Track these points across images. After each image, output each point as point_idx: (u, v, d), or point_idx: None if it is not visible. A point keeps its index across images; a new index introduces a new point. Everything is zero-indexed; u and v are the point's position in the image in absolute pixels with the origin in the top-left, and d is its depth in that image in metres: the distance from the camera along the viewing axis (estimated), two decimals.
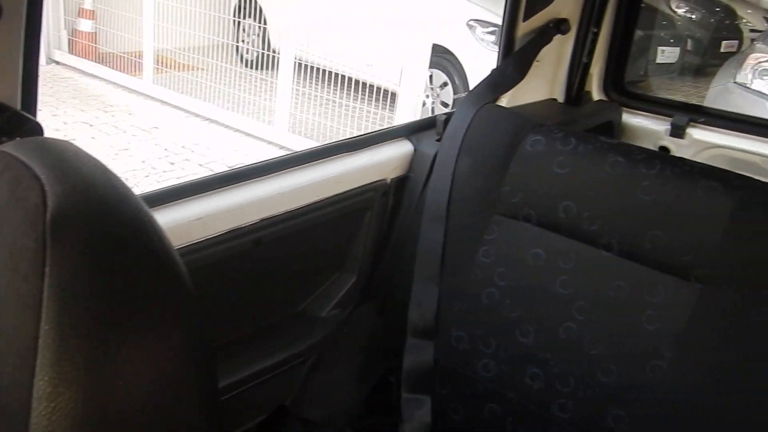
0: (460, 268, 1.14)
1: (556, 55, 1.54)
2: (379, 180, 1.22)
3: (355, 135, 1.59)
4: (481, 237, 1.13)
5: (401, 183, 1.26)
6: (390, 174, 1.24)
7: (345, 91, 4.29)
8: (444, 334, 1.15)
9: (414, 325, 1.17)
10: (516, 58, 1.37)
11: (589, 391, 0.99)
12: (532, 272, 1.07)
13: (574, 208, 1.05)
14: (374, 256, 1.27)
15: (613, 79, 1.68)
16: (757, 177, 1.56)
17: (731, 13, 6.87)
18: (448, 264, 1.15)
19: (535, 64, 1.41)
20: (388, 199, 1.25)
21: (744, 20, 6.89)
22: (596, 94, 1.69)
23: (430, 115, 4.66)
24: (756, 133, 1.51)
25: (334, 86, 4.31)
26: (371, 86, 4.36)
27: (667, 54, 5.69)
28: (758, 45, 3.61)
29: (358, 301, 1.28)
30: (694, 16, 6.50)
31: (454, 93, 4.65)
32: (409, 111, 4.11)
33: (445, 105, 4.73)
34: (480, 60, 4.36)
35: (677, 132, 1.58)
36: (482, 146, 1.18)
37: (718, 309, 0.93)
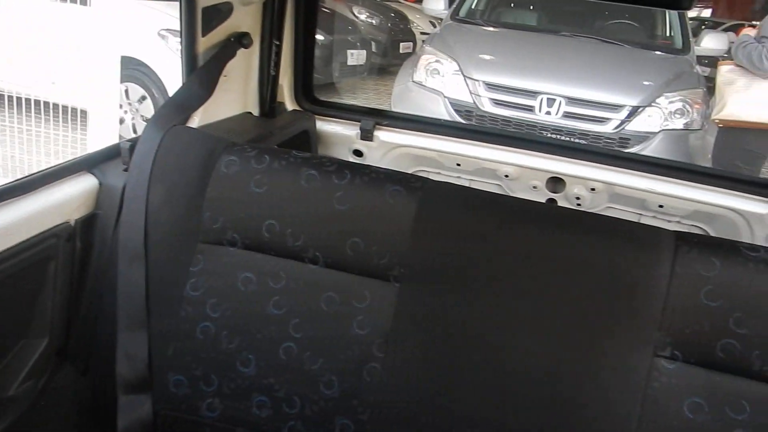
0: (169, 307, 1.06)
1: (244, 68, 1.52)
2: (61, 223, 1.07)
3: (43, 164, 1.37)
4: (186, 270, 1.06)
5: (88, 223, 1.12)
6: (73, 214, 1.10)
7: (27, 113, 3.76)
8: (160, 381, 1.05)
9: (125, 379, 1.05)
10: (200, 75, 1.32)
11: (315, 407, 1.00)
12: (244, 298, 1.04)
13: (277, 226, 1.04)
14: (68, 311, 1.11)
15: (303, 89, 1.73)
16: (436, 171, 1.76)
17: (404, 18, 7.70)
18: (155, 305, 1.06)
19: (223, 78, 1.37)
20: (74, 244, 1.10)
21: (415, 24, 7.77)
22: (289, 105, 1.72)
23: (132, 133, 4.35)
24: (430, 132, 1.68)
25: (10, 109, 3.75)
26: (57, 106, 3.89)
27: (356, 56, 6.15)
28: (427, 47, 4.06)
29: (54, 367, 1.11)
30: (374, 21, 7.12)
31: (155, 107, 4.41)
32: (104, 130, 3.76)
33: (147, 120, 4.44)
34: (177, 71, 4.18)
35: (366, 135, 1.68)
36: (174, 172, 1.11)
37: (416, 306, 1.00)
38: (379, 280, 1.02)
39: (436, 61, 3.79)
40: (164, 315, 1.06)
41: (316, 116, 1.72)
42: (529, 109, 3.56)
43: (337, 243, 1.03)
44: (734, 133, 3.11)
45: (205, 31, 1.31)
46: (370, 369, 0.99)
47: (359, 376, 0.99)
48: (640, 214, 1.65)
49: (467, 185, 1.52)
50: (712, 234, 1.59)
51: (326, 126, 1.74)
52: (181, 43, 1.31)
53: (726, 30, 6.65)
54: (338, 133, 1.73)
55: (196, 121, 1.33)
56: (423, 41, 5.69)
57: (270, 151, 1.10)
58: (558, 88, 3.54)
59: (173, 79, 4.22)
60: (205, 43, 1.32)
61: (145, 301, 1.06)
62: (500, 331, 0.96)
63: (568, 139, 3.42)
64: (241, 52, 1.42)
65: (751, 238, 1.53)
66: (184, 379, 1.04)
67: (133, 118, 4.53)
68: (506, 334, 0.96)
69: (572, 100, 3.51)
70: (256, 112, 1.62)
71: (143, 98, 4.47)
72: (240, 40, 1.40)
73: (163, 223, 1.08)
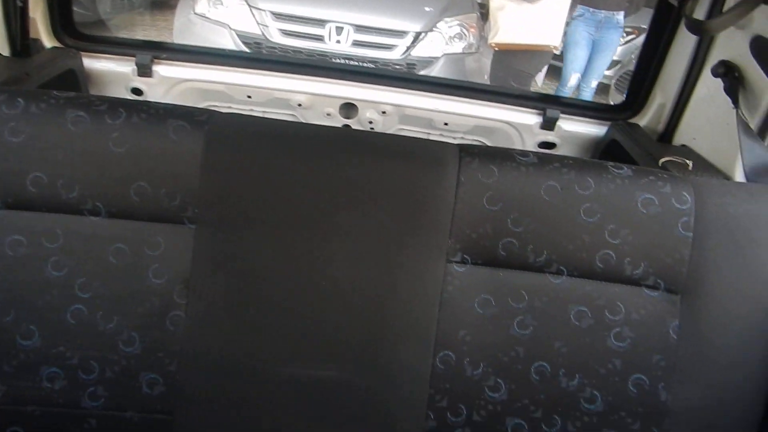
0: None
1: None
2: None
3: None
4: None
5: None
6: None
7: None
8: None
9: None
10: None
11: (116, 368, 0.93)
12: (15, 264, 0.92)
13: (44, 178, 0.92)
14: None
15: (62, 22, 1.53)
16: (227, 105, 1.68)
17: None
18: None
19: None
20: None
21: None
22: (47, 41, 1.51)
23: None
24: (215, 63, 1.59)
25: None
26: None
27: None
28: None
29: None
30: None
31: None
32: None
33: None
34: None
35: (144, 71, 1.54)
36: None
37: (215, 247, 0.96)
38: (172, 224, 0.96)
39: None
40: None
41: (83, 53, 1.54)
42: (319, 38, 3.53)
43: (119, 190, 0.94)
44: (507, 54, 3.37)
45: None
46: (173, 318, 0.94)
47: (162, 327, 0.94)
48: (429, 132, 1.73)
49: None
50: (491, 145, 1.73)
51: (96, 64, 1.56)
52: None
53: None
54: (111, 71, 1.57)
55: None
56: None
57: (24, 93, 0.96)
58: (346, 15, 3.54)
59: None
60: None
61: None
62: (303, 263, 0.96)
63: (357, 64, 3.47)
64: None
65: (522, 146, 1.69)
66: None
67: None
68: (309, 265, 0.96)
69: (360, 28, 3.54)
70: (5, 51, 1.40)
71: None
72: None
73: None
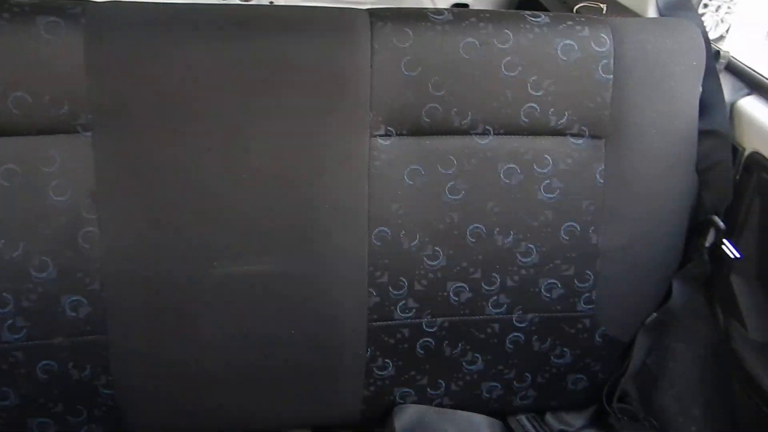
0: None
1: None
2: None
3: None
4: None
5: None
6: None
7: None
8: None
9: None
10: None
11: (32, 296, 0.86)
12: None
13: None
14: None
15: None
16: None
17: None
18: None
19: None
20: None
21: None
22: None
23: None
24: None
25: None
26: None
27: None
28: None
29: None
30: None
31: None
32: None
33: None
34: None
35: None
36: None
37: (117, 152, 0.87)
38: (65, 135, 0.86)
39: None
40: None
41: None
42: None
43: None
44: None
45: None
46: (86, 235, 0.86)
47: (75, 246, 0.86)
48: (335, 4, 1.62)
49: None
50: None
51: None
52: None
53: None
54: None
55: None
56: None
57: None
58: None
59: None
60: None
61: None
62: (219, 157, 0.89)
63: None
64: None
65: (434, 3, 1.61)
66: None
67: None
68: (226, 157, 0.90)
69: None
70: None
71: None
72: None
73: None
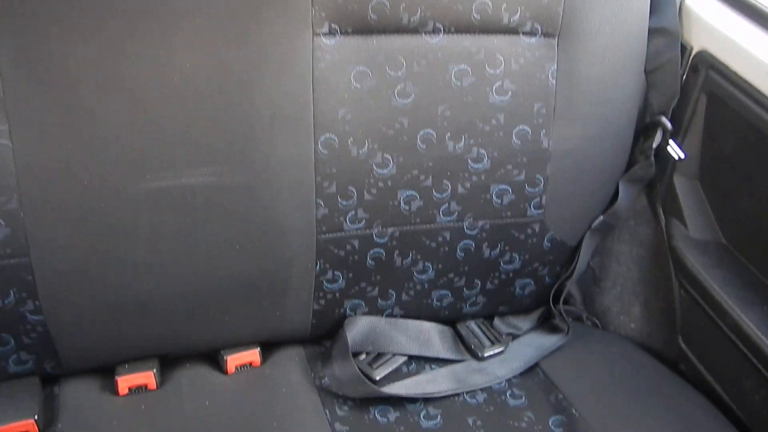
0: None
1: None
2: None
3: None
4: None
5: None
6: None
7: None
8: None
9: None
10: None
11: None
12: None
13: None
14: None
15: None
16: None
17: None
18: None
19: None
20: None
21: None
22: None
23: None
24: None
25: None
26: None
27: None
28: None
29: None
30: None
31: None
32: None
33: None
34: None
35: None
36: None
37: (22, 57, 0.76)
38: None
39: None
40: None
41: None
42: None
43: None
44: None
45: None
46: None
47: None
48: None
49: None
50: None
51: None
52: None
53: None
54: None
55: None
56: None
57: None
58: None
59: None
60: None
61: None
62: (144, 62, 0.80)
63: None
64: None
65: None
66: None
67: None
68: (152, 62, 0.80)
69: None
70: None
71: None
72: None
73: None
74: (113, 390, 0.92)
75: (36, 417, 0.86)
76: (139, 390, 0.93)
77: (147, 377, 0.93)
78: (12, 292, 0.82)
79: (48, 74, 0.77)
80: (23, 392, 0.88)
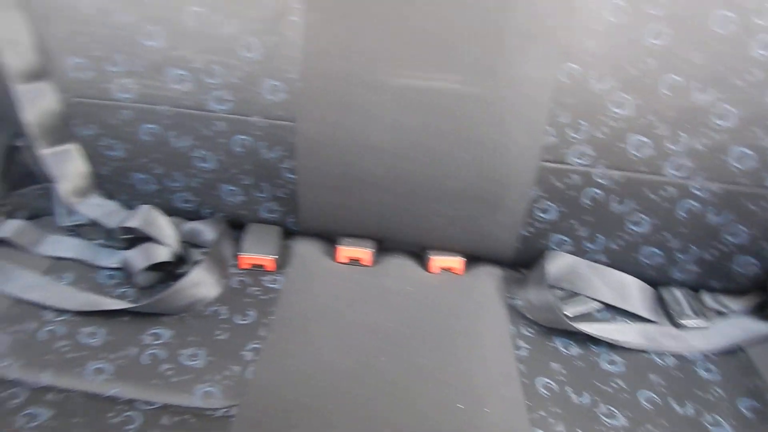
0: None
1: None
2: None
3: None
4: None
5: None
6: None
7: None
8: (59, 67, 0.95)
9: (15, 70, 0.94)
10: None
11: (239, 73, 0.94)
12: None
13: None
14: None
15: None
16: None
17: None
18: None
19: None
20: None
21: None
22: None
23: None
24: None
25: None
26: None
27: None
28: None
29: None
30: None
31: None
32: None
33: None
34: None
35: None
36: None
37: None
38: None
39: None
40: None
41: None
42: None
43: None
44: None
45: None
46: (291, 23, 0.92)
47: (280, 33, 0.92)
48: None
49: None
50: None
51: None
52: None
53: None
54: None
55: None
56: None
57: None
58: None
59: None
60: None
61: None
62: None
63: None
64: None
65: None
66: (86, 61, 0.94)
67: None
68: None
69: None
70: None
71: None
72: None
73: None
74: (333, 256, 1.06)
75: (276, 257, 1.02)
76: (354, 263, 1.06)
77: (364, 253, 1.05)
78: (277, 149, 0.98)
79: None
80: (268, 236, 1.06)
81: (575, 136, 0.94)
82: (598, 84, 0.92)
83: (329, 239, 1.08)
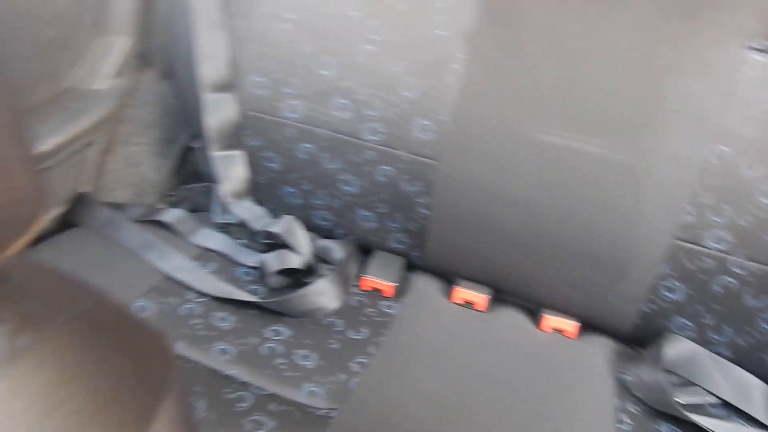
0: (246, 6, 1.05)
1: None
2: None
3: None
4: None
5: None
6: None
7: None
8: (242, 83, 1.08)
9: (207, 80, 1.08)
10: None
11: (395, 110, 1.02)
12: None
13: None
14: (146, 11, 1.12)
15: None
16: None
17: None
18: (232, 3, 1.06)
19: None
20: None
21: None
22: None
23: None
24: None
25: None
26: None
27: None
28: None
29: (137, 69, 1.14)
30: None
31: None
32: None
33: None
34: None
35: None
36: None
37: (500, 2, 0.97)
38: None
39: None
40: (243, 15, 1.05)
41: None
42: None
43: None
44: None
45: None
46: (451, 71, 0.99)
47: (439, 78, 0.99)
48: None
49: None
50: None
51: None
52: None
53: None
54: None
55: None
56: None
57: None
58: None
59: None
60: None
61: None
62: (582, 29, 0.93)
63: None
64: None
65: None
66: (265, 80, 1.06)
67: None
68: (587, 33, 0.93)
69: None
70: None
71: None
72: None
73: None
74: (449, 296, 1.09)
75: (396, 285, 1.08)
76: (468, 305, 1.08)
77: (479, 298, 1.08)
78: (416, 184, 1.05)
79: (512, 22, 0.96)
80: (393, 264, 1.12)
81: (716, 219, 0.92)
82: (748, 170, 0.90)
83: (448, 279, 1.12)
